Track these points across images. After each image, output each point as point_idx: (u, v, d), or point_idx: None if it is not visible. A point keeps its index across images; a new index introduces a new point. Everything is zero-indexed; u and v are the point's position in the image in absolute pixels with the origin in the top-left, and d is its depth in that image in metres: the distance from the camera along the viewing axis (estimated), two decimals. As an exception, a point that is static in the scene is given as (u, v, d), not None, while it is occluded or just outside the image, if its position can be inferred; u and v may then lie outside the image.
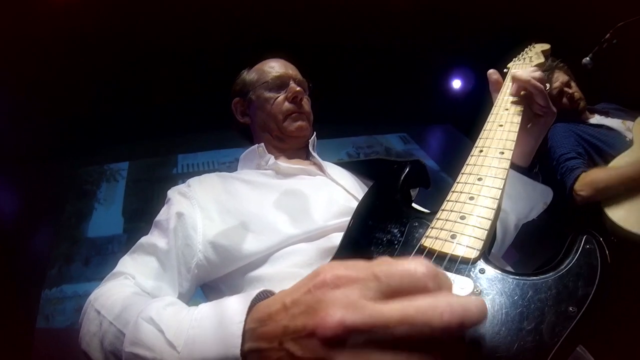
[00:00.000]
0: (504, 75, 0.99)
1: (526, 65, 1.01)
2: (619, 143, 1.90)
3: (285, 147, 1.17)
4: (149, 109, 3.52)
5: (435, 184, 0.95)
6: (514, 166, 0.90)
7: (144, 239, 0.90)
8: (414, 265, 0.36)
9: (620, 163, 1.79)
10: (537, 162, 0.95)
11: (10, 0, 2.46)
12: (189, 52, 3.35)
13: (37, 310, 2.60)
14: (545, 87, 0.88)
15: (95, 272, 2.80)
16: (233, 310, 0.46)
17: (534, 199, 0.93)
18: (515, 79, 0.88)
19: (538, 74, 0.88)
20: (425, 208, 0.78)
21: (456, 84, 4.40)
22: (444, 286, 0.37)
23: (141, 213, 3.13)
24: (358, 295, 0.35)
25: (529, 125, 0.90)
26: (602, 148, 1.92)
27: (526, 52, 1.11)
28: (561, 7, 2.83)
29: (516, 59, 1.09)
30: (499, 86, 0.95)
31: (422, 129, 4.58)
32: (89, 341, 0.66)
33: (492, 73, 0.98)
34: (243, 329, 0.42)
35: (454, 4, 3.31)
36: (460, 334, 0.35)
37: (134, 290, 0.76)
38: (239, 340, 0.42)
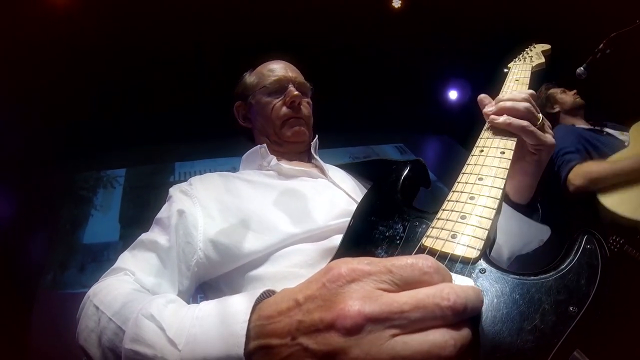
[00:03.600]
0: (504, 76, 0.98)
1: (526, 66, 1.01)
2: (618, 146, 1.94)
3: (284, 151, 1.16)
4: (147, 116, 3.52)
5: (432, 194, 0.94)
6: (510, 202, 0.89)
7: (144, 236, 0.89)
8: (421, 261, 0.40)
9: (616, 158, 1.83)
10: (538, 197, 0.92)
11: (8, 7, 2.47)
12: (187, 60, 3.36)
13: (31, 316, 2.57)
14: (537, 115, 0.78)
15: (91, 279, 2.74)
16: (236, 309, 0.45)
17: (528, 236, 0.91)
18: (493, 124, 0.77)
19: (523, 105, 0.76)
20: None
21: (452, 95, 4.43)
22: (446, 279, 0.40)
23: (138, 220, 3.12)
24: (373, 287, 0.38)
25: (523, 162, 0.84)
26: (601, 148, 1.97)
27: (526, 52, 1.11)
28: (559, 10, 2.87)
29: (516, 59, 1.09)
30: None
31: (419, 140, 4.60)
32: (86, 337, 0.65)
33: (484, 98, 0.86)
34: (247, 328, 0.42)
35: (450, 13, 3.34)
36: (465, 316, 0.37)
37: (133, 286, 0.75)
38: (243, 340, 0.42)
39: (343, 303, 0.36)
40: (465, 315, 0.37)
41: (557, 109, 2.33)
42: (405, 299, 0.37)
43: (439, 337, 0.35)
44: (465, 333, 0.37)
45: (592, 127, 2.21)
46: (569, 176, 1.86)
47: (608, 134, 2.10)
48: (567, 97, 2.32)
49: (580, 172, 1.83)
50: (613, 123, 2.21)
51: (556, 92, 2.36)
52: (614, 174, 1.74)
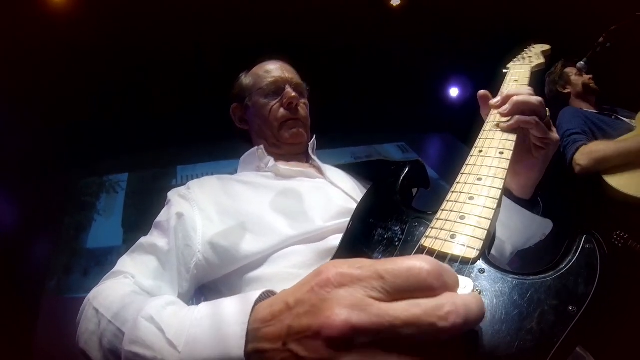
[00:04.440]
0: (503, 76, 0.97)
1: (526, 66, 1.00)
2: (625, 130, 1.93)
3: (282, 153, 1.16)
4: (149, 120, 3.53)
5: (434, 192, 0.94)
6: (514, 198, 0.89)
7: (143, 239, 0.90)
8: (419, 264, 0.37)
9: (623, 140, 1.82)
10: (539, 192, 0.92)
11: (10, 11, 2.47)
12: (188, 62, 3.37)
13: (36, 321, 2.58)
14: (546, 109, 0.80)
15: (95, 284, 2.72)
16: (236, 310, 0.45)
17: (531, 230, 0.91)
18: (510, 126, 0.77)
19: (536, 99, 0.78)
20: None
21: (454, 92, 4.42)
22: (449, 283, 0.37)
23: (141, 224, 3.11)
24: (363, 295, 0.36)
25: (530, 157, 0.84)
26: (608, 131, 1.96)
27: (526, 53, 1.11)
28: (559, 8, 2.86)
29: (516, 59, 1.09)
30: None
31: (421, 138, 4.59)
32: (87, 340, 0.65)
33: (483, 95, 0.88)
34: (247, 330, 0.42)
35: (450, 11, 3.34)
36: (463, 331, 0.35)
37: (133, 289, 0.75)
38: (243, 341, 0.41)
39: (329, 311, 0.35)
40: (462, 331, 0.34)
41: (568, 90, 2.31)
42: (399, 312, 0.34)
43: (434, 358, 0.34)
44: (459, 350, 0.36)
45: (600, 111, 2.20)
46: (575, 157, 1.85)
47: (617, 117, 2.10)
48: (582, 80, 2.28)
49: (587, 152, 1.82)
50: (623, 110, 2.20)
51: (571, 72, 2.31)
52: (620, 153, 1.73)
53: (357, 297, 0.35)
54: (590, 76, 2.28)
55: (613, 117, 2.11)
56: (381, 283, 0.36)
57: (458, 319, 0.33)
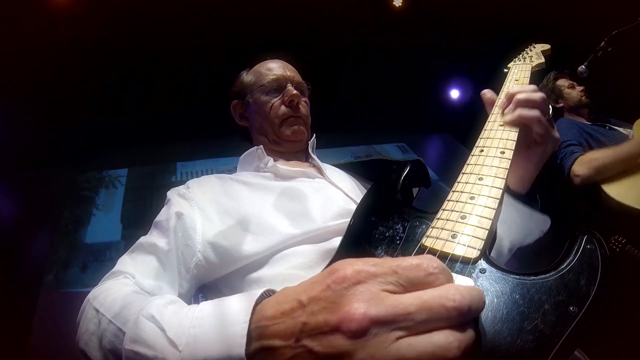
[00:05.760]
0: (504, 76, 0.98)
1: (526, 66, 1.00)
2: (621, 139, 1.93)
3: (282, 150, 1.16)
4: (149, 116, 3.53)
5: (433, 193, 0.94)
6: (511, 193, 0.89)
7: (143, 239, 0.89)
8: (426, 261, 0.40)
9: None
10: (537, 188, 0.92)
11: (10, 9, 2.47)
12: (188, 59, 3.36)
13: (34, 315, 2.58)
14: (549, 105, 0.80)
15: (93, 279, 2.77)
16: (237, 309, 0.45)
17: (529, 227, 0.90)
18: (510, 121, 0.78)
19: (539, 95, 0.79)
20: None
21: (454, 93, 4.43)
22: (450, 280, 0.40)
23: (139, 220, 3.13)
24: (379, 289, 0.38)
25: (528, 151, 0.85)
26: (604, 141, 1.95)
27: (526, 52, 1.11)
28: (560, 9, 2.87)
29: (516, 59, 1.09)
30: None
31: (421, 139, 4.59)
32: (87, 340, 0.65)
33: (486, 92, 0.89)
34: (248, 329, 0.42)
35: (451, 12, 3.34)
36: (470, 317, 0.37)
37: (133, 289, 0.75)
38: (244, 340, 0.41)
39: (348, 305, 0.36)
40: (469, 317, 0.37)
41: (560, 104, 2.29)
42: (411, 300, 0.36)
43: (443, 339, 0.35)
44: (469, 334, 0.37)
45: (593, 122, 2.20)
46: (573, 167, 1.83)
47: (611, 128, 2.10)
48: (574, 94, 2.27)
49: (585, 161, 1.80)
50: (616, 120, 2.20)
51: (563, 85, 2.31)
52: (618, 158, 1.72)
53: (373, 292, 0.37)
54: (582, 88, 2.27)
55: (607, 127, 2.12)
56: (396, 277, 0.38)
57: (464, 299, 0.36)
